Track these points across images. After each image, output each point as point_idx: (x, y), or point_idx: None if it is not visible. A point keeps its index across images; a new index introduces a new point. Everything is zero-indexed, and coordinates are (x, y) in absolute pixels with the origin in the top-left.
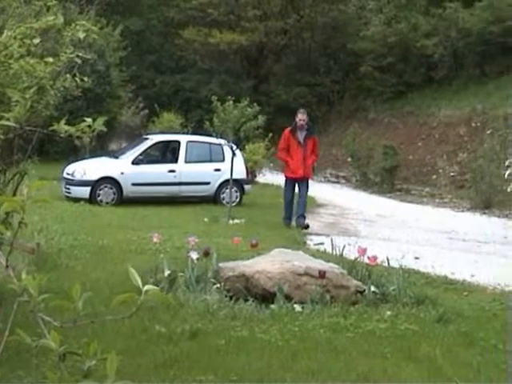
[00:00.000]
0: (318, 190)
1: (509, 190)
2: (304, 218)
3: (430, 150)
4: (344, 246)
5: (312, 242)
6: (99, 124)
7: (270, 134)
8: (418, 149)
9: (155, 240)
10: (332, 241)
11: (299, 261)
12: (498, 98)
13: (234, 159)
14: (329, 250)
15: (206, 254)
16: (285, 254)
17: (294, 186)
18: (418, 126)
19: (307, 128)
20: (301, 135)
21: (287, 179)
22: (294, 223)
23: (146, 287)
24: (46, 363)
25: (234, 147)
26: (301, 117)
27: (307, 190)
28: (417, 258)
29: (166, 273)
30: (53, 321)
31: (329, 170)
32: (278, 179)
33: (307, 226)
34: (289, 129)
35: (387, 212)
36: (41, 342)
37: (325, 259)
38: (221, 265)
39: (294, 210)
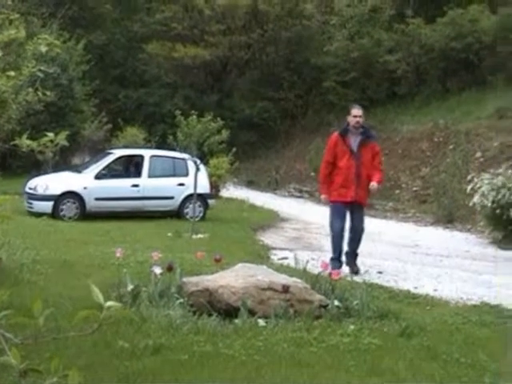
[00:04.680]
0: (281, 204)
1: (471, 204)
2: (356, 256)
3: (393, 165)
4: (307, 261)
5: (276, 256)
6: (62, 138)
7: (234, 149)
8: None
9: (118, 255)
10: (296, 255)
11: (263, 275)
12: (460, 113)
13: (198, 174)
14: (292, 264)
15: (170, 268)
16: (248, 269)
17: (345, 214)
18: (381, 141)
19: (363, 131)
20: (354, 140)
21: (334, 203)
22: (345, 266)
23: (109, 303)
24: (7, 380)
25: (198, 162)
26: (356, 112)
27: (362, 222)
28: (380, 273)
29: (129, 288)
30: (13, 337)
31: (292, 185)
32: (242, 193)
33: (357, 272)
34: (337, 132)
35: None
36: (1, 359)
37: (288, 274)
38: (184, 280)
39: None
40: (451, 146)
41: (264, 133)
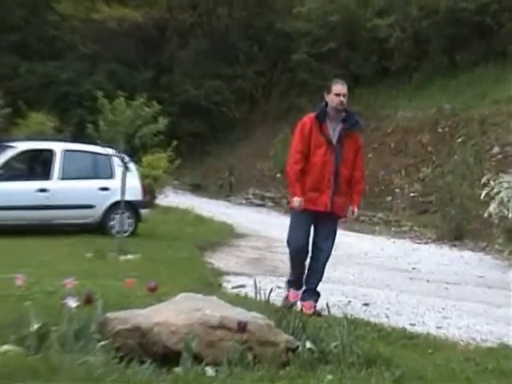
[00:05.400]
0: (237, 215)
1: (485, 215)
2: (318, 295)
3: (383, 164)
4: (271, 290)
5: (230, 284)
6: None
7: (175, 142)
8: (368, 162)
9: (19, 283)
10: (256, 282)
11: (212, 309)
12: (472, 96)
13: (127, 175)
14: (251, 294)
15: (89, 300)
16: (193, 301)
17: (310, 227)
18: (369, 131)
19: (347, 116)
20: (334, 129)
21: (298, 212)
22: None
23: (5, 347)
24: None
25: (127, 159)
26: (339, 90)
27: (333, 241)
28: (366, 305)
29: (34, 326)
30: None
31: (251, 190)
32: (186, 201)
33: (317, 313)
34: (313, 115)
35: None
36: None
37: (246, 307)
38: (108, 315)
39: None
40: (460, 139)
41: (214, 121)
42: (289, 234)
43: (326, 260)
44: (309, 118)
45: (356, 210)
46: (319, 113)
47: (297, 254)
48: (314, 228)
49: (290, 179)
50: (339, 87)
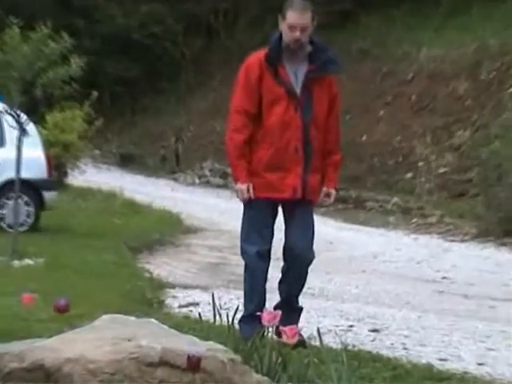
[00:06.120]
0: (187, 200)
1: None
2: (299, 311)
3: (400, 125)
4: (237, 309)
5: (176, 301)
6: None
7: (95, 94)
8: (379, 122)
9: None
10: (214, 298)
11: (150, 338)
12: None
13: (24, 142)
14: (208, 315)
15: None
16: (122, 327)
17: (272, 224)
18: (379, 77)
19: (313, 51)
20: (295, 71)
21: (252, 203)
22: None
23: None
24: None
25: (24, 118)
26: (295, 19)
27: (313, 236)
28: (375, 331)
29: None
30: None
31: (208, 163)
32: (111, 180)
33: (302, 343)
34: (262, 54)
35: (321, 243)
36: None
37: (200, 334)
38: None
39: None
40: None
41: (153, 63)
42: (241, 239)
43: (308, 265)
44: (256, 57)
45: (333, 191)
46: (270, 49)
47: (255, 264)
48: (286, 224)
49: (229, 156)
50: (295, 16)
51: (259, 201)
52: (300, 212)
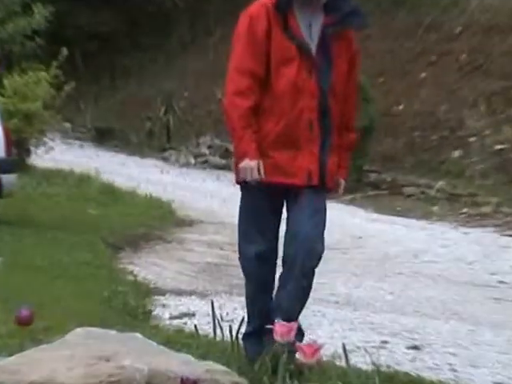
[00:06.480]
0: (181, 185)
1: None
2: (301, 334)
3: (447, 91)
4: (242, 320)
5: (167, 310)
6: None
7: (65, 51)
8: (420, 87)
9: None
10: (214, 308)
11: (135, 357)
12: None
13: None
14: (207, 328)
15: None
16: (100, 343)
17: (279, 218)
18: (420, 31)
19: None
20: (310, 24)
21: (253, 191)
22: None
23: None
24: None
25: None
26: None
27: (322, 234)
28: (415, 348)
29: None
30: None
31: (207, 139)
32: (84, 160)
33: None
34: (269, 0)
35: (346, 237)
36: None
37: (197, 352)
38: None
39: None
40: None
41: (137, 13)
42: (239, 236)
43: (316, 260)
44: (261, 4)
45: (343, 181)
46: None
47: (256, 270)
48: (289, 213)
49: (231, 125)
50: None
51: (265, 187)
52: (308, 194)
